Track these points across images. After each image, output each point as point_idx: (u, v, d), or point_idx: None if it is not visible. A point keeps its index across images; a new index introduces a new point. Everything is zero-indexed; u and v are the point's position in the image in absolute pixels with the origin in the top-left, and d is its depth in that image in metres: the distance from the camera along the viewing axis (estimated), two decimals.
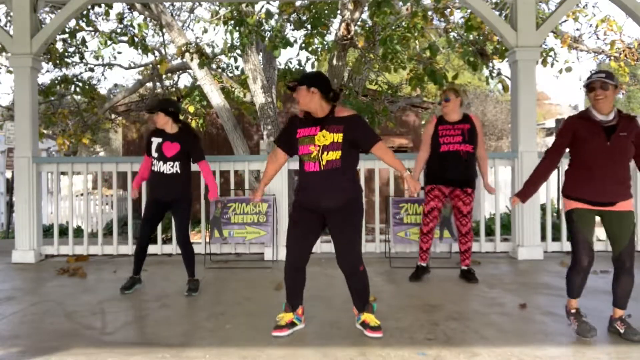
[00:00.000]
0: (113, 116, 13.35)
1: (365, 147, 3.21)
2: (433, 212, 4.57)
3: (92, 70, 11.20)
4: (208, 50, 9.88)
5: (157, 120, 4.24)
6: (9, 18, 9.23)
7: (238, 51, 7.67)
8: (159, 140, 4.25)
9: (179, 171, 4.23)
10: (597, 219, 3.20)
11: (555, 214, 8.17)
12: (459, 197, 4.52)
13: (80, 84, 10.15)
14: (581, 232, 3.13)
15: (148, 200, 4.48)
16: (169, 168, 4.21)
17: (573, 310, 3.22)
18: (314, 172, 3.14)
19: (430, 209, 4.57)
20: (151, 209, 4.36)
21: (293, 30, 9.04)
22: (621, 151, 3.09)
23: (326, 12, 8.08)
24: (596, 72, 3.16)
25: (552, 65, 8.47)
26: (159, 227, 5.96)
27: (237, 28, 7.41)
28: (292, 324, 3.28)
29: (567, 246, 5.76)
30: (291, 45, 7.90)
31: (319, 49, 8.48)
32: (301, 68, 8.90)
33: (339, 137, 3.13)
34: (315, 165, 3.14)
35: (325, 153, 3.12)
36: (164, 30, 9.63)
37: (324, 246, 5.86)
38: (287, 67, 8.58)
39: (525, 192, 3.36)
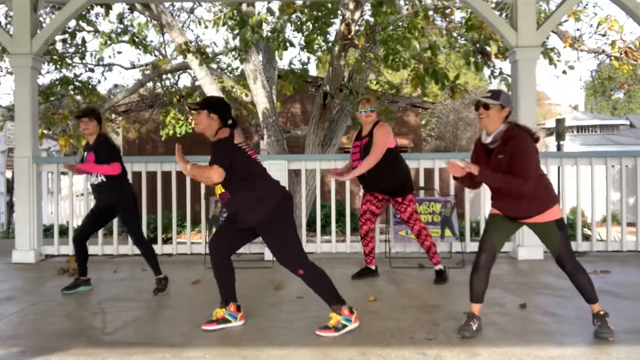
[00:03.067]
0: (113, 116, 13.34)
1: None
2: (366, 214, 4.66)
3: (92, 70, 11.20)
4: (208, 50, 9.87)
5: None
6: (9, 19, 9.23)
7: (243, 52, 7.67)
8: (85, 153, 4.33)
9: (104, 180, 4.24)
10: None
11: None
12: (394, 206, 4.66)
13: (80, 84, 10.14)
14: (488, 232, 3.17)
15: (95, 203, 4.45)
16: (95, 178, 4.25)
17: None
18: (223, 203, 3.29)
19: (363, 211, 4.67)
20: (94, 211, 4.40)
21: (294, 31, 9.04)
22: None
23: (327, 12, 8.07)
24: (486, 92, 3.17)
25: (555, 65, 8.46)
26: (159, 227, 5.98)
27: (239, 29, 7.40)
28: (223, 320, 3.31)
29: None
30: (293, 45, 7.91)
31: (320, 49, 8.48)
32: (304, 68, 8.90)
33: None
34: (220, 197, 3.29)
35: (217, 188, 3.25)
36: (164, 30, 9.62)
37: (324, 246, 5.86)
38: (290, 67, 8.58)
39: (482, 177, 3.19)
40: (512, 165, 2.98)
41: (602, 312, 3.12)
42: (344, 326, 3.19)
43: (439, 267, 4.60)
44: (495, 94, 3.09)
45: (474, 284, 3.17)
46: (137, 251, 5.87)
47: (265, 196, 3.23)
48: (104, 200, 4.32)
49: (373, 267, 4.76)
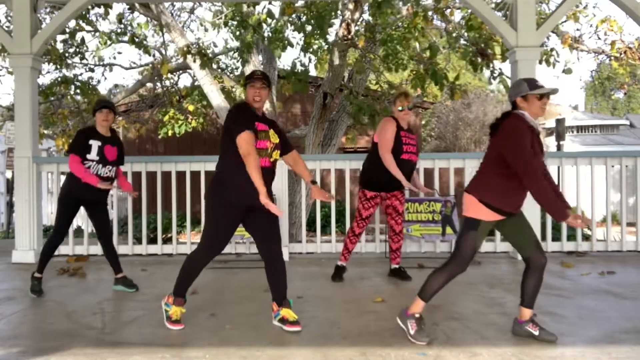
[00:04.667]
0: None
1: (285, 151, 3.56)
2: (369, 217, 4.66)
3: (92, 70, 11.20)
4: (208, 50, 9.88)
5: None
6: (9, 19, 9.22)
7: (245, 54, 7.67)
8: (99, 143, 4.21)
9: (113, 175, 4.32)
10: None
11: None
12: (396, 197, 4.63)
13: (80, 84, 10.13)
14: (479, 240, 3.08)
15: (70, 199, 4.29)
16: (108, 171, 4.25)
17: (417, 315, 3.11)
18: (265, 168, 3.24)
19: (369, 215, 4.65)
20: (73, 210, 4.34)
21: (294, 31, 9.05)
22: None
23: (327, 12, 8.07)
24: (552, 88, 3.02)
25: (553, 66, 8.46)
26: (159, 227, 5.98)
27: (240, 30, 7.41)
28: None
29: (567, 246, 5.77)
30: (292, 45, 7.91)
31: (320, 50, 8.48)
32: (305, 70, 8.90)
33: (277, 138, 3.37)
34: (266, 161, 3.28)
35: (275, 151, 3.33)
36: (164, 30, 9.63)
37: (324, 246, 5.86)
38: (293, 68, 8.58)
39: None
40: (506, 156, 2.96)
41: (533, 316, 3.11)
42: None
43: (396, 266, 4.74)
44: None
45: (433, 285, 3.06)
46: (137, 251, 5.92)
47: None
48: (92, 196, 4.26)
49: (345, 265, 4.76)
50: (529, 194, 2.96)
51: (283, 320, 3.28)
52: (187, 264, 3.38)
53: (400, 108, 4.44)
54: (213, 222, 3.28)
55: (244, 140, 3.13)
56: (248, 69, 8.86)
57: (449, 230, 5.39)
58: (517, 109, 3.02)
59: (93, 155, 4.17)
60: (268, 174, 3.29)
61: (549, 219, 5.80)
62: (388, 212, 4.67)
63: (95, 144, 4.18)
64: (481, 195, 3.00)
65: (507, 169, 2.92)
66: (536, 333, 3.04)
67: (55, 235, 4.27)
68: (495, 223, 3.05)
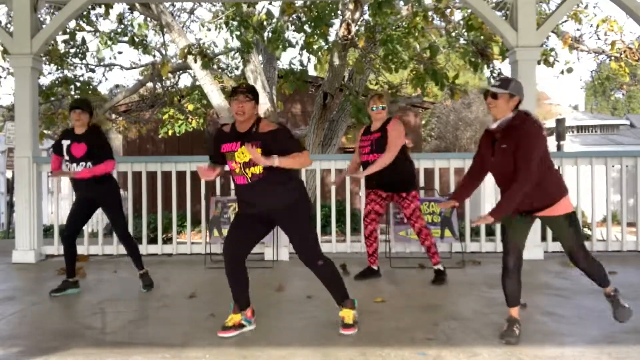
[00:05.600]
0: (114, 116, 13.33)
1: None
2: (370, 214, 4.66)
3: (92, 71, 11.20)
4: (209, 50, 9.87)
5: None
6: (9, 19, 9.23)
7: (246, 54, 7.67)
8: (68, 142, 4.22)
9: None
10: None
11: None
12: (397, 202, 4.62)
13: (79, 84, 10.14)
14: (508, 235, 3.17)
15: (76, 197, 4.35)
16: (82, 168, 4.20)
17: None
18: (243, 185, 3.23)
19: (368, 211, 4.66)
20: (78, 206, 4.32)
21: (294, 31, 9.04)
22: (502, 165, 2.99)
23: (327, 12, 8.08)
24: (496, 80, 3.13)
25: (552, 65, 8.47)
26: (159, 227, 5.98)
27: (240, 30, 7.40)
28: (240, 326, 3.26)
29: None
30: (292, 46, 7.90)
31: (320, 50, 8.48)
32: (303, 69, 8.91)
33: (246, 155, 3.20)
34: (242, 179, 3.23)
35: (248, 168, 3.20)
36: (164, 30, 9.63)
37: (324, 246, 5.81)
38: (290, 67, 8.59)
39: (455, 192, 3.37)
40: (516, 157, 2.90)
41: (612, 293, 3.21)
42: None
43: (439, 267, 4.58)
44: (504, 83, 3.02)
45: (508, 288, 3.13)
46: None
47: (295, 180, 3.32)
48: (87, 193, 4.27)
49: (375, 268, 4.75)
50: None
51: (341, 321, 3.26)
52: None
53: (373, 108, 4.49)
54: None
55: None
56: (247, 69, 8.86)
57: (447, 232, 5.38)
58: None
59: (65, 155, 4.24)
60: (247, 190, 3.23)
61: None
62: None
63: (65, 144, 4.24)
64: (560, 192, 3.06)
65: (544, 164, 2.96)
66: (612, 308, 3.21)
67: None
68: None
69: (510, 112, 3.01)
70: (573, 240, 3.07)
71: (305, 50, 8.26)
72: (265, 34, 8.02)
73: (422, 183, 5.77)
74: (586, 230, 8.16)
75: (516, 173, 2.90)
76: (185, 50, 8.33)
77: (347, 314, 3.25)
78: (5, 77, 10.86)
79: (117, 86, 13.54)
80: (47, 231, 8.71)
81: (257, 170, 3.17)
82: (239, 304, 3.31)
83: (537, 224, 5.51)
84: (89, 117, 4.27)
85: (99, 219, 4.69)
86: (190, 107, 10.53)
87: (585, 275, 3.15)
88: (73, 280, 4.33)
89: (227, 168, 3.42)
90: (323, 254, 3.33)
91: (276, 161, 3.08)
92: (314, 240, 3.30)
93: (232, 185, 3.43)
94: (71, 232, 4.31)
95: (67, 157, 4.22)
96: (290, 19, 8.75)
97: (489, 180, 5.05)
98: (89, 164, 4.18)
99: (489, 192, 4.81)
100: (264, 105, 8.80)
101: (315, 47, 8.24)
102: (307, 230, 3.30)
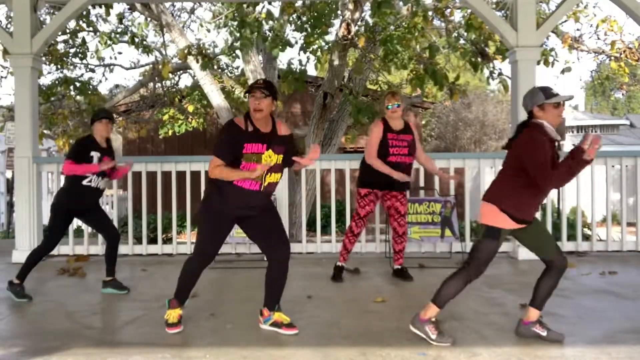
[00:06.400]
0: (114, 116, 13.35)
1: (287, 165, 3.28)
2: (368, 215, 4.64)
3: (92, 71, 11.20)
4: (209, 51, 9.87)
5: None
6: (9, 19, 9.23)
7: (238, 51, 7.66)
8: (98, 154, 4.18)
9: (104, 186, 4.30)
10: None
11: (555, 214, 8.17)
12: (396, 198, 4.58)
13: (79, 84, 10.14)
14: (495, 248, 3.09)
15: (62, 210, 4.24)
16: (100, 181, 4.21)
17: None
18: (254, 191, 3.12)
19: (367, 212, 4.62)
20: (65, 219, 4.30)
21: (293, 30, 9.04)
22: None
23: (327, 12, 8.07)
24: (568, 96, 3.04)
25: (552, 65, 8.46)
26: (159, 227, 5.97)
27: (239, 29, 7.40)
28: (181, 319, 3.30)
29: (567, 246, 5.76)
30: (291, 46, 7.90)
31: (319, 50, 8.48)
32: (302, 69, 8.91)
33: (280, 158, 3.15)
34: (255, 184, 3.11)
35: (269, 174, 3.11)
36: (164, 30, 9.62)
37: (324, 246, 5.86)
38: (289, 67, 8.58)
39: None
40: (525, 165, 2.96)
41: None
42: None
43: (399, 266, 4.71)
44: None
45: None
46: (137, 251, 5.91)
47: None
48: (92, 201, 4.28)
49: (344, 265, 4.75)
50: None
51: (277, 324, 3.23)
52: (184, 267, 3.37)
53: (389, 106, 4.44)
54: (200, 227, 3.27)
55: (212, 165, 3.09)
56: (247, 68, 8.85)
57: (447, 232, 5.39)
58: (533, 118, 3.00)
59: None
60: (254, 196, 3.13)
61: (549, 219, 5.81)
62: (390, 213, 4.66)
63: (95, 156, 4.17)
64: (504, 205, 2.97)
65: (527, 178, 2.91)
66: (544, 334, 3.02)
67: (45, 244, 4.24)
68: (511, 230, 3.03)
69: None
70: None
71: (304, 50, 8.26)
72: (265, 33, 8.02)
73: (422, 183, 5.77)
74: (586, 230, 8.16)
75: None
76: (185, 51, 8.33)
77: (281, 317, 3.26)
78: (5, 77, 10.86)
79: (117, 86, 13.54)
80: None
81: (276, 178, 3.16)
82: (182, 300, 3.37)
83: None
84: (112, 128, 4.35)
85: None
86: (191, 107, 10.53)
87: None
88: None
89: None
90: None
91: (316, 150, 3.15)
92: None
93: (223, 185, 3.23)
94: (54, 246, 4.29)
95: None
96: (290, 18, 8.74)
97: (489, 179, 5.07)
98: (106, 179, 4.27)
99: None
100: None
101: (315, 46, 8.24)
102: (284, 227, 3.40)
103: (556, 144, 2.99)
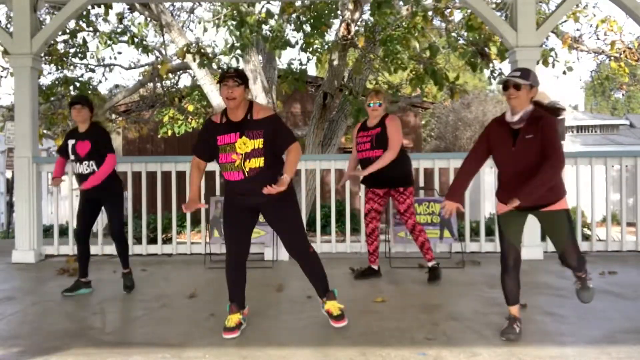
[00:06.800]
0: (113, 116, 13.34)
1: (282, 149, 3.19)
2: (370, 213, 4.67)
3: (92, 71, 11.20)
4: (208, 50, 9.87)
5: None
6: (9, 20, 9.23)
7: (238, 52, 7.65)
8: (72, 141, 4.19)
9: (96, 169, 4.15)
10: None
11: None
12: (393, 197, 4.62)
13: (79, 84, 10.14)
14: (505, 235, 3.14)
15: (81, 196, 4.31)
16: (85, 168, 4.15)
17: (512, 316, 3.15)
18: (238, 181, 3.14)
19: (368, 210, 4.68)
20: (84, 204, 4.29)
21: (293, 30, 9.04)
22: (526, 155, 2.98)
23: (326, 12, 8.07)
24: (513, 71, 3.13)
25: (552, 65, 8.47)
26: (159, 227, 5.98)
27: (238, 29, 7.40)
28: (240, 325, 3.25)
29: None
30: (291, 46, 7.90)
31: (319, 50, 8.48)
32: (302, 69, 8.91)
33: (259, 143, 3.09)
34: (238, 174, 3.12)
35: (248, 160, 3.09)
36: (164, 30, 9.62)
37: (324, 246, 5.86)
38: (289, 67, 8.59)
39: (453, 192, 3.28)
40: (543, 145, 2.94)
41: (583, 275, 3.28)
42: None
43: (433, 263, 4.59)
44: (525, 73, 3.02)
45: (507, 286, 3.14)
46: (137, 251, 5.91)
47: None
48: (92, 194, 4.22)
49: (376, 267, 4.75)
50: None
51: (328, 314, 3.28)
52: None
53: (370, 104, 4.51)
54: (223, 221, 3.37)
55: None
56: (247, 68, 8.85)
57: (446, 233, 5.39)
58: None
59: (70, 155, 4.20)
60: (245, 184, 3.13)
61: None
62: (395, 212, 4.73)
63: (70, 143, 4.20)
64: (564, 190, 3.09)
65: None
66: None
67: (74, 231, 4.45)
68: (528, 213, 3.15)
69: (530, 103, 3.03)
70: (569, 236, 3.06)
71: (304, 50, 8.26)
72: (265, 33, 8.01)
73: (421, 183, 5.76)
74: (586, 230, 8.16)
75: (546, 160, 2.92)
76: (184, 49, 8.32)
77: (333, 306, 3.27)
78: (5, 77, 10.85)
79: (117, 86, 13.54)
80: (47, 231, 8.71)
81: (257, 163, 3.09)
82: (237, 304, 3.30)
83: (535, 224, 5.53)
84: (89, 112, 4.22)
85: (98, 220, 4.68)
86: (191, 107, 10.53)
87: (573, 271, 3.20)
88: (85, 280, 4.33)
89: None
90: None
91: (288, 179, 3.09)
92: (303, 229, 3.39)
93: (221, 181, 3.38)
94: (82, 229, 4.30)
95: (72, 157, 4.19)
96: (290, 18, 8.74)
97: (489, 179, 5.07)
98: (92, 162, 4.14)
99: (488, 191, 4.81)
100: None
101: (315, 46, 8.24)
102: (299, 220, 3.34)
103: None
